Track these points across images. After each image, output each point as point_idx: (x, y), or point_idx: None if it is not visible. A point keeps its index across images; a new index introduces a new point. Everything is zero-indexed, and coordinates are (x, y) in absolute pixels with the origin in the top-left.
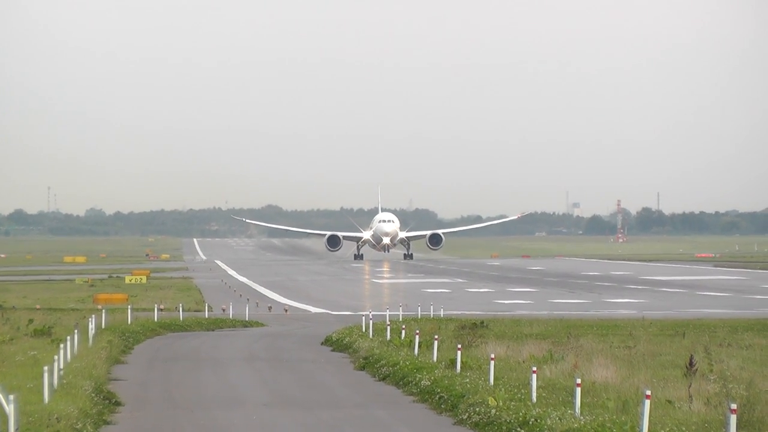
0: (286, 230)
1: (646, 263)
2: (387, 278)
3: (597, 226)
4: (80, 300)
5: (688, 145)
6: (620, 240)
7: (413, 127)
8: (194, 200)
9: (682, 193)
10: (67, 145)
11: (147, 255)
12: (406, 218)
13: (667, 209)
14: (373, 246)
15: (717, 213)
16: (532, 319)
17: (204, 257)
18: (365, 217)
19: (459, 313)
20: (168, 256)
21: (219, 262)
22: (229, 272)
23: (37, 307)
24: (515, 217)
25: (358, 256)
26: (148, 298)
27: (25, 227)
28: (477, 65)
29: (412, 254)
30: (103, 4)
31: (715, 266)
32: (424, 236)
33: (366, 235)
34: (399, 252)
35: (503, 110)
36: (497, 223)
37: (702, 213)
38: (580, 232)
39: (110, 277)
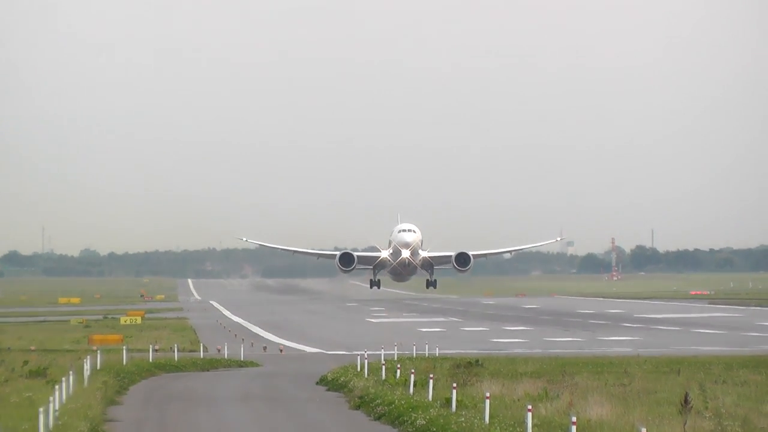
0: (293, 252)
1: (640, 301)
2: (382, 317)
3: (591, 264)
4: (75, 341)
5: (681, 182)
6: (615, 278)
7: (401, 167)
8: (188, 241)
9: (676, 231)
10: (60, 186)
11: (142, 295)
12: None
13: (662, 247)
14: (393, 269)
15: (711, 250)
16: (527, 358)
17: (199, 297)
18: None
19: (454, 351)
20: (163, 296)
21: (214, 303)
22: (224, 312)
23: (32, 348)
24: (554, 241)
25: (375, 283)
26: (143, 339)
27: (20, 268)
28: (465, 105)
29: (435, 281)
30: (90, 45)
31: (710, 303)
32: (449, 257)
33: (384, 253)
34: (419, 279)
35: (495, 149)
36: (530, 247)
37: (696, 250)
38: (575, 270)
39: (105, 317)
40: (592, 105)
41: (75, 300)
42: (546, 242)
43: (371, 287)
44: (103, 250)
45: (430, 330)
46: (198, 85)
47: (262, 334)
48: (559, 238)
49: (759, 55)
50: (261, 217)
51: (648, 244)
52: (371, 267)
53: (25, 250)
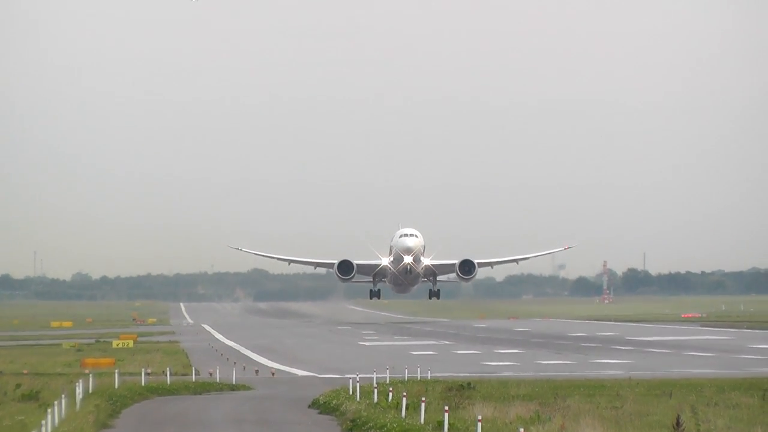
0: (290, 261)
1: (632, 324)
2: (374, 341)
3: (583, 287)
4: (67, 364)
5: (673, 205)
6: (606, 301)
7: (397, 190)
8: (180, 264)
9: (668, 254)
10: (52, 210)
11: (134, 319)
12: None
13: (653, 269)
14: (394, 277)
15: (703, 273)
16: (519, 381)
17: (191, 321)
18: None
19: (446, 375)
20: (155, 320)
21: (206, 326)
22: (215, 336)
23: (25, 371)
24: (563, 249)
25: (375, 293)
26: (136, 362)
27: (11, 292)
28: (458, 132)
29: (438, 291)
30: (85, 70)
31: (702, 326)
32: (452, 265)
33: (384, 261)
34: (421, 291)
35: (487, 174)
36: (537, 256)
37: (688, 273)
38: (566, 293)
39: (97, 341)
40: (587, 133)
41: (67, 324)
42: (554, 250)
43: (371, 297)
44: (96, 274)
45: (421, 353)
46: (185, 105)
47: (254, 358)
48: (567, 246)
49: (749, 83)
50: (257, 229)
51: (640, 267)
52: (371, 277)
53: (17, 274)
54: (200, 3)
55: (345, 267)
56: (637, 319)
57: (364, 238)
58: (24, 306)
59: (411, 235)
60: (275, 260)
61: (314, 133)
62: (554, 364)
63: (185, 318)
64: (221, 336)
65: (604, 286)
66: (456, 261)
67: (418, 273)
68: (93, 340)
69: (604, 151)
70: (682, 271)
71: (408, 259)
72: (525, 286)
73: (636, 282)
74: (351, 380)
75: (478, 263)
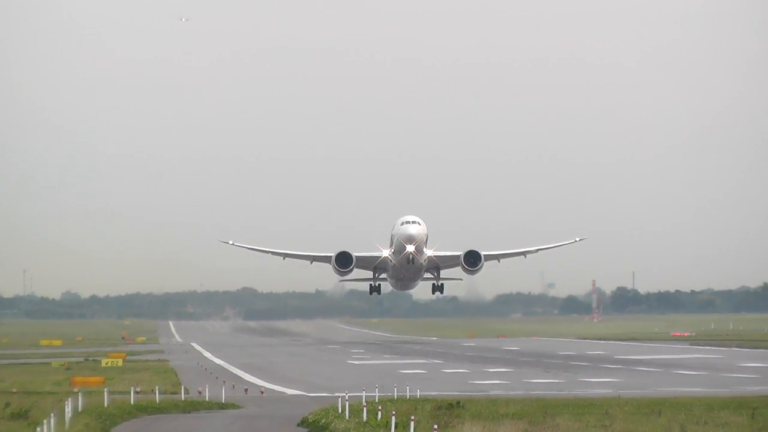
0: (284, 255)
1: (621, 342)
2: (363, 359)
3: (573, 306)
4: (57, 383)
5: (662, 224)
6: (595, 319)
7: (397, 180)
8: (169, 283)
9: (657, 272)
10: (42, 229)
11: (123, 338)
12: (382, 300)
13: (643, 288)
14: (395, 270)
15: (692, 291)
16: (508, 399)
17: (180, 339)
18: (341, 299)
19: (435, 393)
20: (144, 338)
21: (195, 345)
22: (205, 354)
23: (14, 390)
24: (574, 241)
25: (375, 288)
26: (125, 381)
27: (1, 311)
28: (441, 159)
29: (442, 285)
30: (77, 94)
31: (691, 345)
32: (456, 257)
33: (385, 252)
34: (423, 287)
35: (478, 197)
36: (549, 247)
37: (677, 292)
38: (556, 311)
39: (87, 360)
40: (577, 147)
41: (56, 342)
42: (565, 242)
43: (371, 293)
44: (85, 293)
45: (411, 372)
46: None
47: (243, 376)
48: (578, 239)
49: (739, 99)
50: (251, 223)
51: (629, 286)
52: (370, 270)
53: (7, 293)
54: (191, 16)
55: (343, 259)
56: (627, 338)
57: (364, 229)
58: (13, 324)
59: (413, 222)
60: (269, 257)
61: (311, 118)
62: (543, 383)
63: (174, 336)
64: (210, 354)
65: (594, 305)
66: (459, 253)
67: (421, 264)
68: (82, 359)
69: (594, 169)
70: (672, 290)
71: (410, 248)
72: (514, 305)
73: (625, 301)
74: (340, 399)
75: (484, 255)
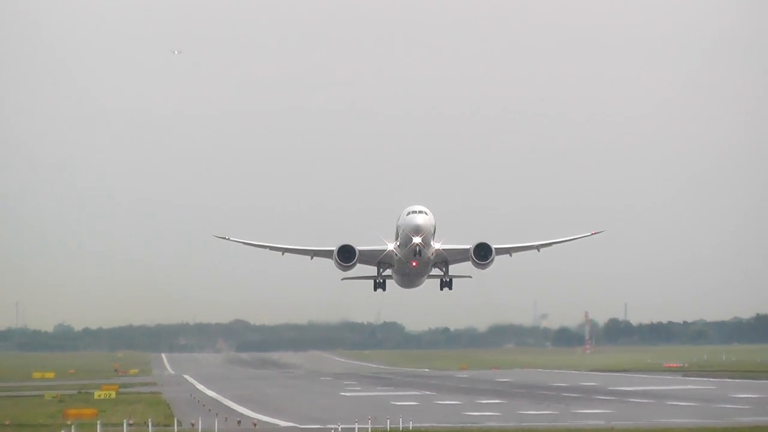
0: (283, 251)
1: (614, 374)
2: (355, 391)
3: (565, 337)
4: (50, 415)
5: (655, 255)
6: (588, 351)
7: (403, 171)
8: (162, 315)
9: (649, 304)
10: (34, 261)
11: (116, 370)
12: (374, 331)
13: (635, 319)
14: (400, 264)
15: (685, 322)
16: (501, 431)
17: (172, 372)
18: (334, 330)
19: (428, 425)
20: (137, 370)
21: (187, 377)
22: (197, 387)
23: (7, 422)
24: (589, 234)
25: (380, 285)
26: (118, 413)
27: None
28: (447, 150)
29: (451, 280)
30: (66, 132)
31: (684, 376)
32: (466, 250)
33: (390, 245)
34: (429, 286)
35: (470, 222)
36: (563, 241)
37: (670, 323)
38: (548, 343)
39: (79, 392)
40: (567, 177)
41: (49, 375)
42: (580, 236)
43: (375, 289)
44: (78, 325)
45: (403, 403)
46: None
47: (236, 408)
48: (594, 232)
49: (736, 130)
50: (251, 219)
51: (621, 317)
52: (374, 265)
53: None
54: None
55: (346, 252)
56: (619, 369)
57: (367, 222)
58: (5, 357)
59: (420, 212)
60: (269, 256)
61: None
62: (536, 414)
63: (167, 368)
64: (203, 387)
65: (586, 336)
66: (468, 246)
67: (428, 258)
68: (75, 391)
69: (586, 199)
70: (664, 321)
71: (417, 240)
72: (506, 336)
73: (617, 332)
74: (333, 430)
75: (495, 248)
